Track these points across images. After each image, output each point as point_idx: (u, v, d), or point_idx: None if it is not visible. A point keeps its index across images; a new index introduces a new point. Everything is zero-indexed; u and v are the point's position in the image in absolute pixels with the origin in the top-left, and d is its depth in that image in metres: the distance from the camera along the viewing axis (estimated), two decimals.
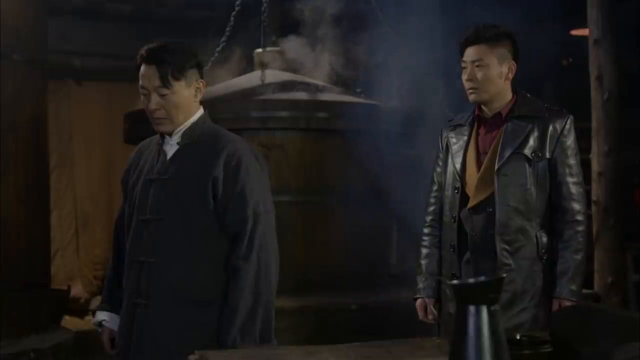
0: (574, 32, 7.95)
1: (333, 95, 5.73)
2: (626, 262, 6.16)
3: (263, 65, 5.65)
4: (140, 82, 2.77)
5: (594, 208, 5.41)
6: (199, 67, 2.84)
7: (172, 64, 2.73)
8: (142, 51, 2.77)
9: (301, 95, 5.54)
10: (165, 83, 2.73)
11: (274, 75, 5.71)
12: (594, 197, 5.42)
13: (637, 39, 7.30)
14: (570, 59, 8.77)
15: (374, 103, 5.93)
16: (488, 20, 3.22)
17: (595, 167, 5.48)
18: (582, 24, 6.03)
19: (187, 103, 2.80)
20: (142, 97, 2.80)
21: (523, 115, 3.16)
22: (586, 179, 3.32)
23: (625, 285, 5.90)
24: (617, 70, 5.48)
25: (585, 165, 3.25)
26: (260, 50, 5.87)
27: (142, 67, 2.76)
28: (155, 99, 2.75)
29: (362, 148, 5.34)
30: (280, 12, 6.14)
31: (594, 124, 5.51)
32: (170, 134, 2.83)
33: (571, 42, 7.75)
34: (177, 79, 2.75)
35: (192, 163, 2.79)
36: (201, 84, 2.84)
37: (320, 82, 5.95)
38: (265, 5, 5.78)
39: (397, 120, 5.58)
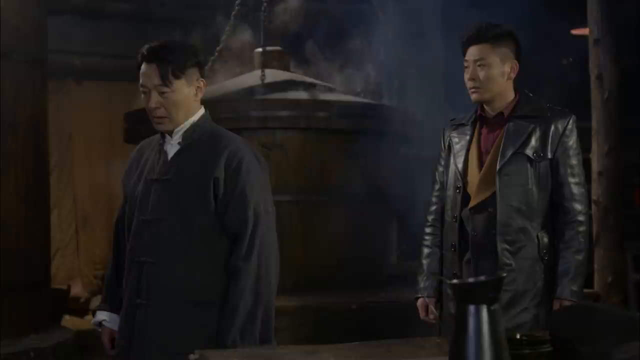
0: (574, 32, 7.96)
1: (333, 95, 5.74)
2: (626, 262, 6.16)
3: (263, 65, 5.65)
4: (141, 81, 2.78)
5: (594, 208, 5.41)
6: (200, 66, 2.84)
7: (172, 63, 2.74)
8: (143, 50, 2.78)
9: (301, 95, 5.54)
10: (165, 81, 2.73)
11: (274, 75, 5.71)
12: (594, 197, 5.42)
13: (637, 39, 7.31)
14: (570, 59, 8.77)
15: (374, 103, 5.94)
16: (488, 19, 3.21)
17: (595, 167, 5.49)
18: (582, 24, 6.03)
19: (187, 102, 2.80)
20: (142, 95, 2.80)
21: (525, 115, 3.16)
22: (586, 179, 3.32)
23: (625, 285, 5.90)
24: (617, 70, 5.48)
25: (585, 165, 3.25)
26: (260, 49, 5.87)
27: (143, 66, 2.77)
28: (155, 97, 2.76)
29: (362, 148, 5.34)
30: (281, 12, 6.14)
31: (594, 124, 5.51)
32: (170, 133, 2.83)
33: (571, 42, 7.76)
34: (177, 77, 2.75)
35: (193, 163, 2.79)
36: (202, 83, 2.84)
37: (320, 82, 5.95)
38: (265, 5, 5.78)
39: (397, 120, 5.58)
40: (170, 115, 2.78)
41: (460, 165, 3.22)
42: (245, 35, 6.19)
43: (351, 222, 5.40)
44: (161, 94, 2.75)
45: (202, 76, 2.86)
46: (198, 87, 2.83)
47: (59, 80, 8.54)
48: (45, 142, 6.05)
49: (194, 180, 2.77)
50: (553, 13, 6.69)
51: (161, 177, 2.81)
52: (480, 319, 1.70)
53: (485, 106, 3.22)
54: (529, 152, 3.12)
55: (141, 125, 5.05)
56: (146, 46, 2.79)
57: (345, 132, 5.41)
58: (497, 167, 3.12)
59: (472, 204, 3.17)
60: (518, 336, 2.01)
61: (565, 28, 7.94)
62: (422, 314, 3.35)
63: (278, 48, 6.09)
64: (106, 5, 8.85)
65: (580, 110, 3.49)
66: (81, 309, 8.08)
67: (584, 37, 5.93)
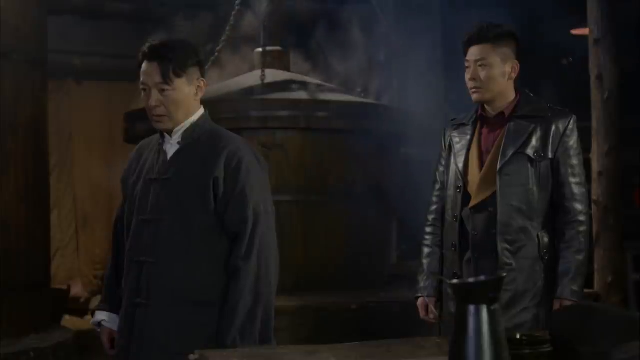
0: (574, 32, 7.96)
1: (333, 95, 5.73)
2: (626, 262, 6.16)
3: (263, 65, 5.65)
4: (142, 79, 2.78)
5: (594, 208, 5.41)
6: (201, 65, 2.85)
7: (174, 61, 2.74)
8: (144, 48, 2.78)
9: (301, 95, 5.54)
10: (166, 79, 2.73)
11: (274, 75, 5.71)
12: (594, 197, 5.42)
13: (637, 39, 7.30)
14: (571, 59, 8.77)
15: (374, 103, 5.94)
16: (489, 19, 3.21)
17: (595, 167, 5.49)
18: (582, 24, 6.03)
19: (187, 101, 2.80)
20: (142, 94, 2.80)
21: (526, 115, 3.16)
22: (586, 179, 3.32)
23: (625, 285, 5.90)
24: (617, 70, 5.48)
25: (585, 165, 3.25)
26: (260, 49, 5.87)
27: (144, 64, 2.77)
28: (155, 95, 2.76)
29: (362, 148, 5.34)
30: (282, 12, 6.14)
31: (594, 124, 5.51)
32: (169, 132, 2.83)
33: (571, 42, 7.76)
34: (178, 75, 2.75)
35: (193, 163, 2.79)
36: (202, 83, 2.84)
37: (320, 82, 5.95)
38: (265, 5, 5.78)
39: (397, 120, 5.58)
40: (170, 114, 2.78)
41: (460, 165, 3.22)
42: (245, 35, 6.19)
43: (351, 222, 5.39)
44: (161, 91, 2.75)
45: (203, 76, 2.86)
46: (198, 86, 2.83)
47: (59, 80, 8.54)
48: (45, 142, 6.05)
49: (193, 180, 2.76)
50: (553, 13, 6.70)
51: (161, 176, 2.81)
52: (480, 319, 1.70)
53: (486, 106, 3.22)
54: (529, 152, 3.12)
55: (141, 125, 5.06)
56: (147, 44, 2.79)
57: (345, 132, 5.40)
58: (498, 167, 3.12)
59: (472, 203, 3.17)
60: (518, 336, 2.01)
61: (565, 28, 7.93)
62: (422, 314, 3.35)
63: (278, 48, 6.09)
64: (106, 5, 8.85)
65: (580, 110, 3.49)
66: (81, 309, 8.08)
67: (584, 37, 5.93)
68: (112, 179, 8.44)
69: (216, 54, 5.93)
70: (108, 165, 8.85)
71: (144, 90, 2.78)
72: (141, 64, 2.78)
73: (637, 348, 1.91)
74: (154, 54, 2.76)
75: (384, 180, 5.34)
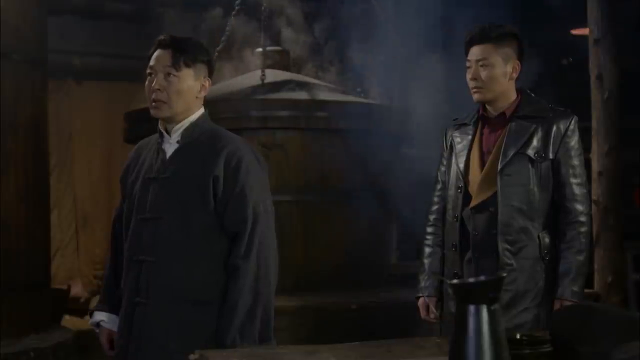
0: (574, 32, 7.96)
1: (333, 95, 5.73)
2: (626, 262, 6.16)
3: (263, 65, 5.65)
4: (151, 63, 2.81)
5: (594, 208, 5.41)
6: (209, 64, 2.88)
7: (186, 52, 2.79)
8: (160, 37, 2.84)
9: (301, 95, 5.53)
10: (175, 65, 2.77)
11: (274, 74, 5.70)
12: (594, 197, 5.42)
13: (637, 39, 7.31)
14: (571, 59, 8.77)
15: (374, 103, 5.93)
16: (489, 19, 3.21)
17: (595, 167, 5.49)
18: (582, 24, 6.03)
19: (189, 94, 2.81)
20: (147, 79, 2.82)
21: (527, 115, 3.16)
22: (587, 179, 3.32)
23: (625, 285, 5.90)
24: (617, 70, 5.48)
25: (585, 165, 3.25)
26: (260, 49, 5.87)
27: (157, 52, 2.82)
28: (160, 80, 2.78)
29: (362, 148, 5.34)
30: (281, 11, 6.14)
31: (594, 124, 5.51)
32: (167, 122, 2.83)
33: (571, 42, 7.76)
34: (187, 65, 2.79)
35: (192, 162, 2.79)
36: (207, 82, 2.86)
37: (320, 82, 5.95)
38: (265, 5, 5.78)
39: (397, 120, 5.58)
40: (170, 102, 2.79)
41: (461, 165, 3.22)
42: (245, 35, 6.19)
43: (351, 222, 5.39)
44: (167, 76, 2.77)
45: (209, 76, 2.87)
46: (203, 85, 2.84)
47: (59, 80, 8.53)
48: (45, 142, 6.05)
49: (193, 179, 2.77)
50: (553, 13, 6.69)
51: (160, 175, 2.81)
52: (480, 319, 1.70)
53: (487, 106, 3.22)
54: (530, 152, 3.12)
55: (141, 125, 5.06)
56: (163, 35, 2.85)
57: (345, 132, 5.40)
58: (499, 167, 3.12)
59: (473, 203, 3.17)
60: (518, 336, 2.01)
61: (565, 28, 7.94)
62: (422, 314, 3.36)
63: (278, 48, 6.09)
64: (106, 5, 8.85)
65: (580, 110, 3.49)
66: (81, 309, 8.07)
67: (584, 37, 5.93)
68: (112, 179, 8.46)
69: (216, 53, 5.92)
70: (108, 165, 8.85)
71: (150, 75, 2.81)
72: (153, 53, 2.82)
73: (637, 348, 1.91)
74: (169, 43, 2.81)
75: (384, 180, 5.33)
